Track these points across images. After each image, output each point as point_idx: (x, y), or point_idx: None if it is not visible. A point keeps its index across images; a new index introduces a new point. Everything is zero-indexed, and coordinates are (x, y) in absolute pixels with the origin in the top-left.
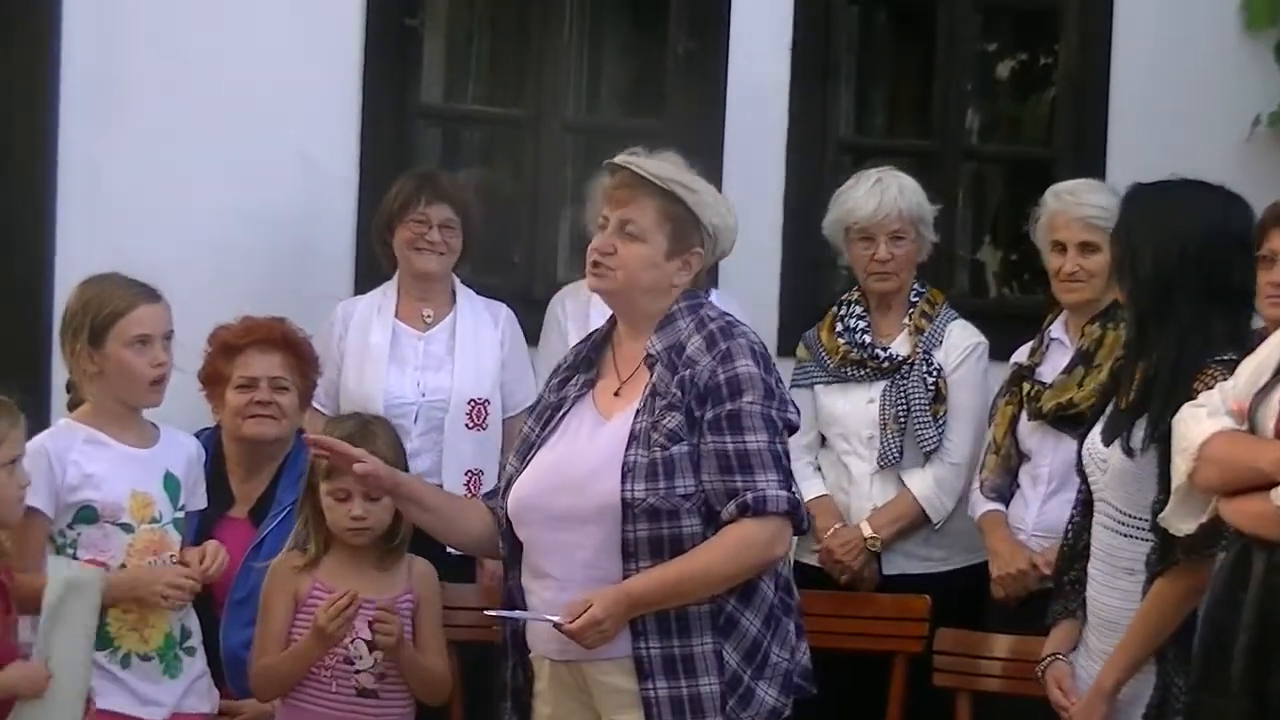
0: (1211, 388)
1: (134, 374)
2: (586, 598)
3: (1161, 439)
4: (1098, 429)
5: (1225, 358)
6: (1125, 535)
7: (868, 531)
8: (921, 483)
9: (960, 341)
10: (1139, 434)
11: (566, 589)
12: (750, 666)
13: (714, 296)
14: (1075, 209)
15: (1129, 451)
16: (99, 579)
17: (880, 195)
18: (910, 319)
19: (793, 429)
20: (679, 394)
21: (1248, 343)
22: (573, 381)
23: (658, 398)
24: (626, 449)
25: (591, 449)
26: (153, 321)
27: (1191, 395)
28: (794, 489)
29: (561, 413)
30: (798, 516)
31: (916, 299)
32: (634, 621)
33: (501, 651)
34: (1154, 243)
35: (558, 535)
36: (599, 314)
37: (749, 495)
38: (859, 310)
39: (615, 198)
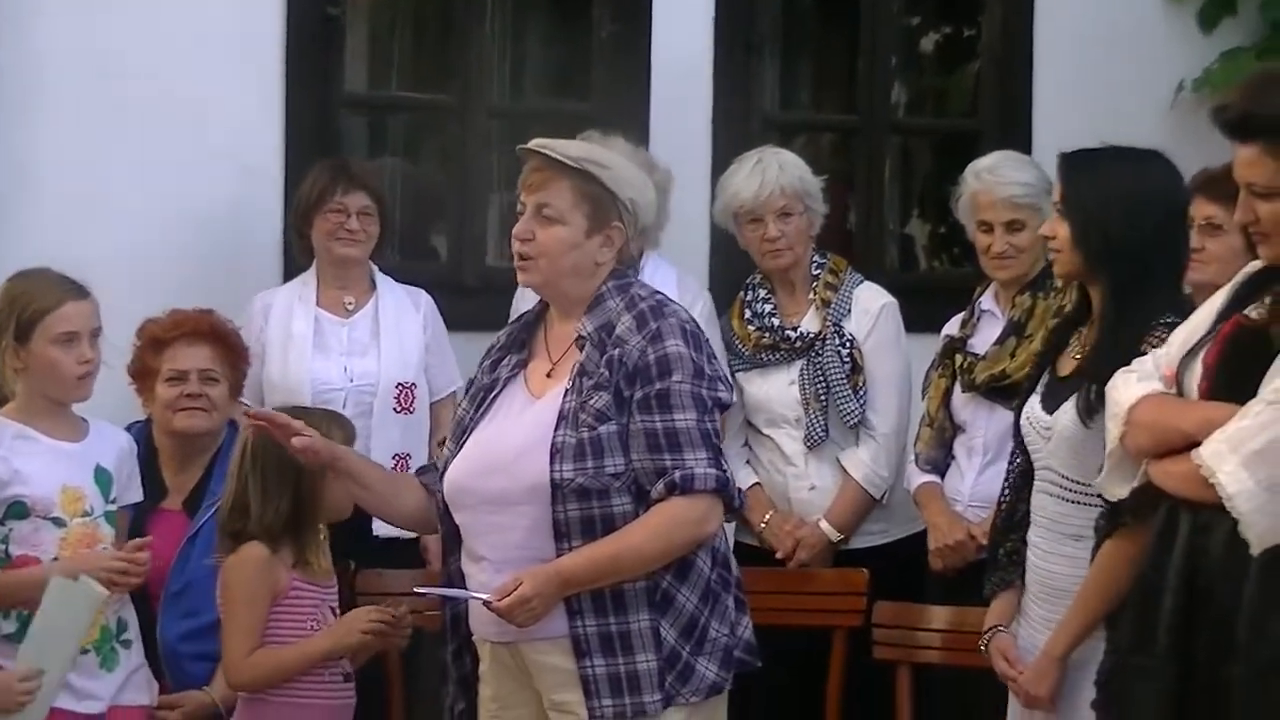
0: (1158, 347)
1: (59, 371)
2: (517, 576)
3: None
4: (1036, 397)
5: (1167, 320)
6: (1072, 501)
7: (833, 535)
8: (858, 463)
9: (869, 305)
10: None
11: (502, 571)
12: (689, 642)
13: (652, 261)
14: (998, 189)
15: (1091, 412)
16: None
17: (762, 175)
18: (815, 293)
19: (724, 406)
20: (607, 373)
21: (1185, 306)
22: (505, 362)
23: (585, 378)
24: (555, 429)
25: (520, 430)
26: (80, 318)
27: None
28: (724, 466)
29: (494, 394)
30: (728, 494)
31: (819, 270)
32: (570, 600)
33: (442, 635)
34: (1124, 209)
35: (491, 517)
36: None
37: (677, 474)
38: (763, 293)
39: (530, 182)
